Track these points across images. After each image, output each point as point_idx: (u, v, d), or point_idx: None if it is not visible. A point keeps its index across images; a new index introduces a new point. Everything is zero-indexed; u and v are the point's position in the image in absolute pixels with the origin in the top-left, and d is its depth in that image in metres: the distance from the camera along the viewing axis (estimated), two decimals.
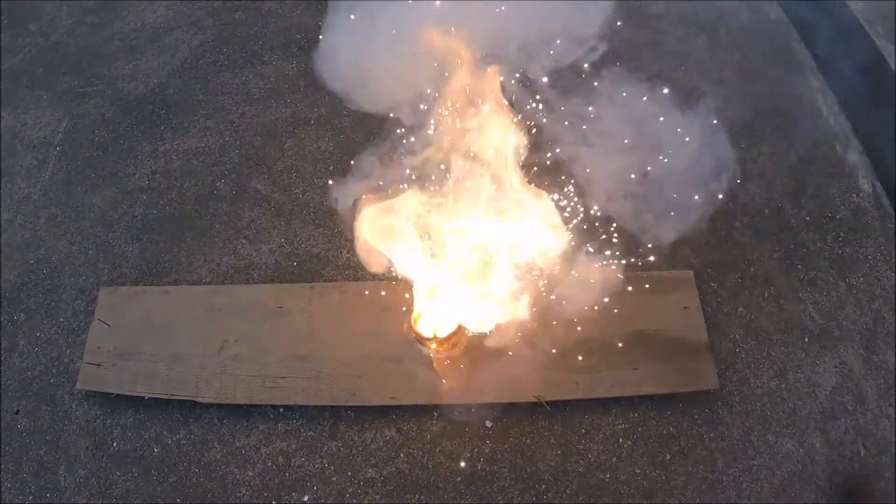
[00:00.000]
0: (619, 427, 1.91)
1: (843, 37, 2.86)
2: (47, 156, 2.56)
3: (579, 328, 1.96)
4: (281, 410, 1.94)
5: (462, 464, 1.86)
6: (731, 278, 2.19)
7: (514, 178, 1.72)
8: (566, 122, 1.80)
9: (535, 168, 1.85)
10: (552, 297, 1.85)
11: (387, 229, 1.76)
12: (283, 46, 2.88)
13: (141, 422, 1.94)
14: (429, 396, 1.88)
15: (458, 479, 1.84)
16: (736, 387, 1.98)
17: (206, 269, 2.25)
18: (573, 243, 1.81)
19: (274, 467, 1.86)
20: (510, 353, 1.92)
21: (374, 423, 1.92)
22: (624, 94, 1.85)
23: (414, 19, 1.58)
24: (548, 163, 1.85)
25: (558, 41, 1.67)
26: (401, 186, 1.77)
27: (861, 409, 1.94)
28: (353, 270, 2.22)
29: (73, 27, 3.01)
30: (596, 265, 1.85)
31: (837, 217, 2.33)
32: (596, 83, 1.85)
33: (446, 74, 1.63)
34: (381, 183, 1.82)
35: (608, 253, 1.91)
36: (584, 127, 1.81)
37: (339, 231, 2.31)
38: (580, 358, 1.93)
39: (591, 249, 1.87)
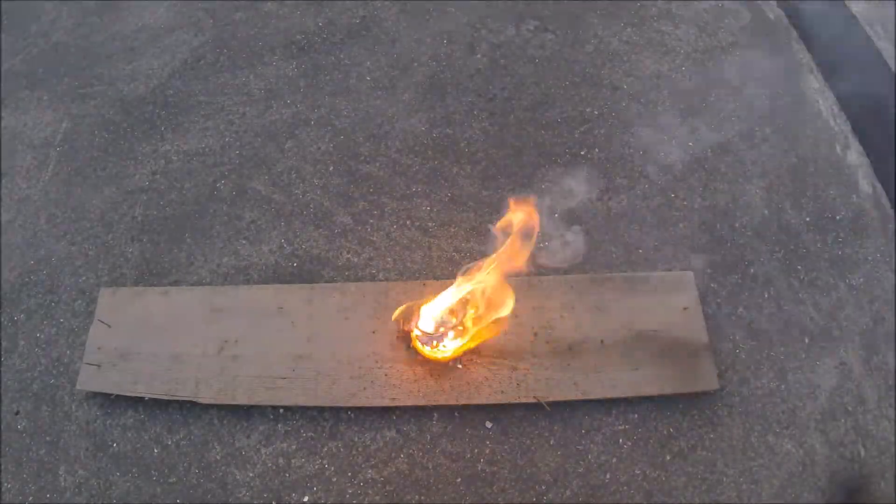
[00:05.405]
0: (619, 428, 1.91)
1: (842, 37, 2.86)
2: (47, 156, 2.56)
3: (579, 328, 1.96)
4: (281, 411, 1.94)
5: (462, 464, 1.86)
6: (730, 279, 2.19)
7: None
8: None
9: None
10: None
11: None
12: (283, 47, 2.88)
13: (141, 422, 1.94)
14: (428, 397, 1.88)
15: (458, 479, 1.84)
16: (736, 387, 1.98)
17: (206, 270, 2.25)
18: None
19: (274, 468, 1.86)
20: (509, 353, 1.92)
21: (374, 423, 1.92)
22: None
23: None
24: None
25: None
26: None
27: (861, 410, 1.94)
28: (353, 271, 2.22)
29: (73, 27, 3.00)
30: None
31: (837, 218, 2.33)
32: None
33: None
34: None
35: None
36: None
37: (339, 232, 2.31)
38: (580, 358, 1.93)
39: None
